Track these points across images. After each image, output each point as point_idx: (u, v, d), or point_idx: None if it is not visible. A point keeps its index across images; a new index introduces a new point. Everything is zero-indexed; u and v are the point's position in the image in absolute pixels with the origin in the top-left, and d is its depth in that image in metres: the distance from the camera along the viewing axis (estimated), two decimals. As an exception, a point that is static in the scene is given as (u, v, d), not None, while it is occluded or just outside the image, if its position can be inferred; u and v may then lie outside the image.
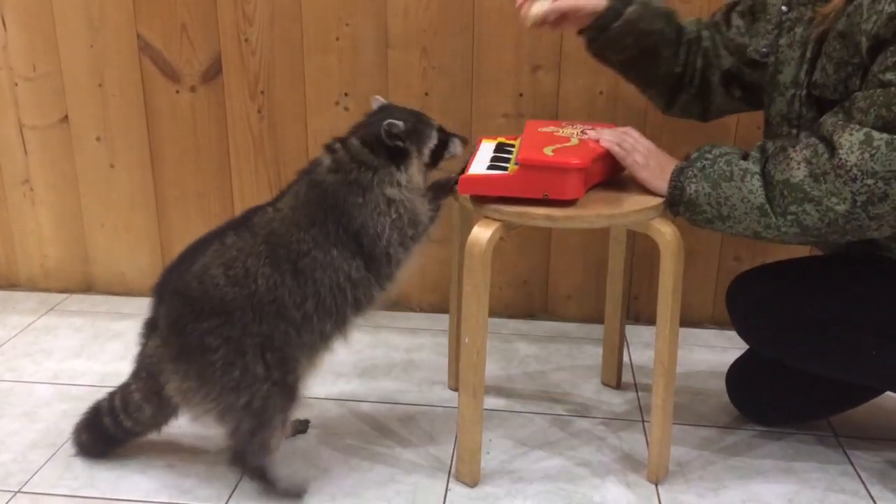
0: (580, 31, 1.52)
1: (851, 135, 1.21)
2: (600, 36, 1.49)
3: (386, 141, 1.35)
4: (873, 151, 1.19)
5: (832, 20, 1.30)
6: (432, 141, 1.42)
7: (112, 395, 1.48)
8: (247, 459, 1.38)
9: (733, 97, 1.57)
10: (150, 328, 1.41)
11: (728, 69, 1.54)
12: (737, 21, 1.53)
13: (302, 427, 1.62)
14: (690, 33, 1.56)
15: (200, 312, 1.34)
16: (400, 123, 1.35)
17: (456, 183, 1.40)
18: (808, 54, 1.35)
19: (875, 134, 1.19)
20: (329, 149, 1.40)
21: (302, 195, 1.38)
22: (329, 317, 1.36)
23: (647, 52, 1.52)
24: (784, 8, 1.41)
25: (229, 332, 1.33)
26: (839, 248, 1.47)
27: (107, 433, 1.48)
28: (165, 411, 1.43)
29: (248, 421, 1.35)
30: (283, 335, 1.35)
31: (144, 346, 1.42)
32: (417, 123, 1.41)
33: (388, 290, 1.41)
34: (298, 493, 1.42)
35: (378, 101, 1.47)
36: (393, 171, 1.37)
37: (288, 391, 1.37)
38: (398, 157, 1.37)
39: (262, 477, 1.41)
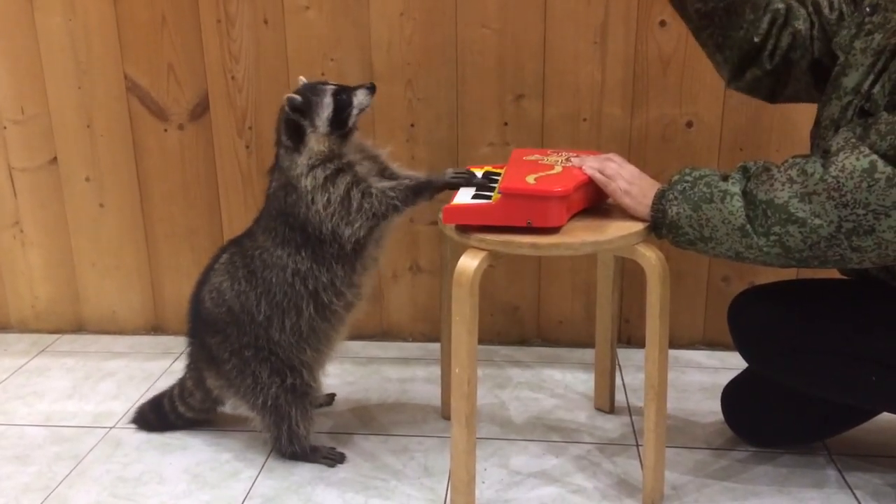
0: None
1: (858, 159, 1.18)
2: None
3: (291, 116, 1.44)
4: (871, 183, 1.16)
5: None
6: (326, 109, 1.45)
7: (174, 383, 1.72)
8: (280, 448, 1.59)
9: (820, 89, 1.42)
10: (191, 335, 1.64)
11: (819, 58, 1.42)
12: (839, 5, 1.41)
13: (328, 400, 1.81)
14: (779, 5, 1.43)
15: (209, 330, 1.57)
16: (297, 97, 1.44)
17: (440, 187, 1.47)
18: (879, 65, 1.28)
19: (880, 165, 1.16)
20: (271, 168, 1.53)
21: (263, 210, 1.54)
22: (287, 313, 1.50)
23: (730, 8, 1.41)
24: (868, 9, 1.32)
25: (230, 346, 1.55)
26: (855, 273, 1.44)
27: (162, 412, 1.72)
28: (211, 397, 1.65)
29: (269, 416, 1.56)
30: (264, 339, 1.52)
31: (191, 345, 1.64)
32: (312, 96, 1.46)
33: (347, 273, 1.49)
34: (339, 458, 1.61)
35: (301, 81, 1.53)
36: (296, 158, 1.45)
37: (295, 391, 1.54)
38: (298, 139, 1.45)
39: (302, 459, 1.60)
